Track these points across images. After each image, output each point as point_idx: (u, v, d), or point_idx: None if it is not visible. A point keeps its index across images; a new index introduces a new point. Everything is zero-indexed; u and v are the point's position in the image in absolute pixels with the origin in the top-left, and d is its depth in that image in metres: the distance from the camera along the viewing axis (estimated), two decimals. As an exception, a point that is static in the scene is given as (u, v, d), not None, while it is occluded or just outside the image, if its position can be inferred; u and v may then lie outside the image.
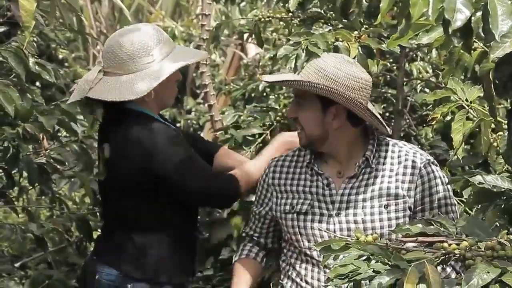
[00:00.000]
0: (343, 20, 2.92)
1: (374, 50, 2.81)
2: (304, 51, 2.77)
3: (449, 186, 2.48)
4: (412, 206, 2.47)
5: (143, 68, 2.61)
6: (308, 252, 2.53)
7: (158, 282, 2.68)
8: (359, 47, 2.81)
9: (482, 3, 1.48)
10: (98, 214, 3.66)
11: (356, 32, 2.90)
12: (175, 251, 2.72)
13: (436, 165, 2.51)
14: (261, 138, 3.16)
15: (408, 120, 3.42)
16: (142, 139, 2.59)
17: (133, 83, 2.58)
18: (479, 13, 1.51)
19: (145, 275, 2.67)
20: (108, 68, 2.65)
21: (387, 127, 2.53)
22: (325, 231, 2.47)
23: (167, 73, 2.60)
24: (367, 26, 2.94)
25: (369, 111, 2.44)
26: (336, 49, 2.78)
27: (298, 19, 3.34)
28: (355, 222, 2.47)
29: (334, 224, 2.50)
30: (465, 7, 1.50)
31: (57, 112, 2.60)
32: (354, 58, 2.72)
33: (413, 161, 2.49)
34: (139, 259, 2.66)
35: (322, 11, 3.23)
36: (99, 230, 2.93)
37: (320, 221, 2.51)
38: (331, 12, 3.18)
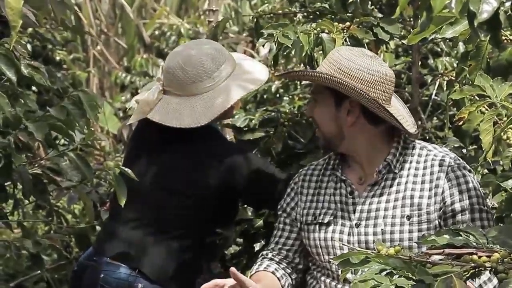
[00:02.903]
0: (348, 13, 2.93)
1: (363, 40, 2.83)
2: (276, 43, 2.83)
3: (481, 192, 2.44)
4: (439, 216, 2.43)
5: (205, 91, 2.79)
6: (328, 266, 2.52)
7: (168, 285, 2.79)
8: (347, 38, 2.82)
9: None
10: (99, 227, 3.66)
11: (347, 23, 2.90)
12: (195, 257, 2.85)
13: (468, 170, 2.46)
14: (264, 141, 3.20)
15: (419, 122, 3.39)
16: (225, 157, 2.79)
17: (194, 109, 2.77)
18: (508, 3, 1.48)
19: (160, 277, 2.77)
20: (168, 87, 2.84)
21: (410, 128, 2.50)
22: (344, 244, 2.46)
23: (227, 105, 2.76)
24: (358, 17, 2.94)
25: (382, 107, 2.40)
26: (320, 41, 2.80)
27: (302, 14, 3.34)
28: (375, 233, 2.45)
29: (353, 235, 2.48)
30: (492, -3, 1.46)
31: (51, 119, 2.57)
32: None
33: (440, 165, 2.45)
34: (161, 261, 2.78)
35: (327, 6, 3.22)
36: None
37: (341, 232, 2.50)
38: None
